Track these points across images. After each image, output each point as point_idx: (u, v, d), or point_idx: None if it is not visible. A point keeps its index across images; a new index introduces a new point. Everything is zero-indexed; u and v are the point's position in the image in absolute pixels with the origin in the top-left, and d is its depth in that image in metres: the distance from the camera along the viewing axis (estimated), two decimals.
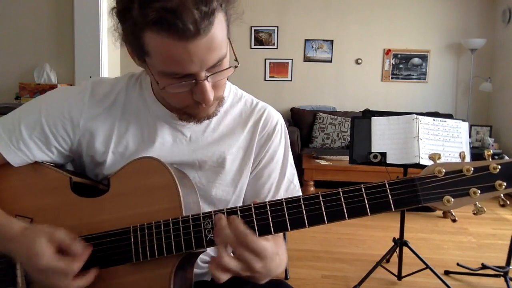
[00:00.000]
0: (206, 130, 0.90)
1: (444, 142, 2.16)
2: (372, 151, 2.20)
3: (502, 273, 2.36)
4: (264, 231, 0.72)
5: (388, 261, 2.61)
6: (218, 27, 0.69)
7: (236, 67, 0.77)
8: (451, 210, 0.64)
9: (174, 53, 0.68)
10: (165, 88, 0.75)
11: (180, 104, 0.80)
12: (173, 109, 0.87)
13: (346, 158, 3.45)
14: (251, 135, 0.92)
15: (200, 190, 0.87)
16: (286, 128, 0.97)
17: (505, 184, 0.62)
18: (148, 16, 0.65)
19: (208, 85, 0.74)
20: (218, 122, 0.91)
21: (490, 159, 0.62)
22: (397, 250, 2.37)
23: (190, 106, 0.79)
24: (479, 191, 0.63)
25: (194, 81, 0.73)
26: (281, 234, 0.89)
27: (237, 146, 0.91)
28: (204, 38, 0.67)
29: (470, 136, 4.50)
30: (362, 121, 2.29)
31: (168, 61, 0.70)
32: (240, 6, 0.76)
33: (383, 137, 2.22)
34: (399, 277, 2.39)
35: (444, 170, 0.64)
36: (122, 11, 0.70)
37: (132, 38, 0.71)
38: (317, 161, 3.89)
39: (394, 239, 2.41)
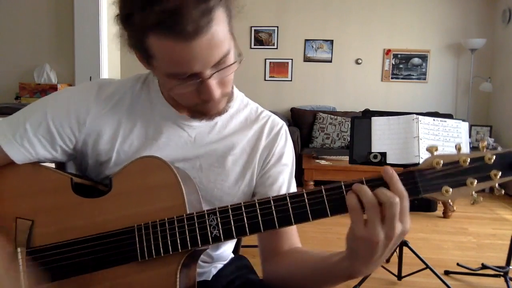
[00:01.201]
0: (211, 132, 0.91)
1: (444, 142, 2.16)
2: (372, 151, 2.19)
3: (502, 273, 2.36)
4: (269, 225, 0.72)
5: (388, 261, 2.61)
6: (219, 23, 0.69)
7: (240, 61, 0.77)
8: (450, 201, 0.65)
9: (177, 55, 0.69)
10: (172, 89, 0.76)
11: (190, 103, 0.81)
12: (183, 109, 0.88)
13: (346, 158, 3.45)
14: (256, 140, 0.93)
15: (201, 191, 0.87)
16: (290, 138, 0.99)
17: (500, 173, 0.63)
18: (149, 20, 0.66)
19: (213, 82, 0.74)
20: (224, 126, 0.92)
21: (485, 150, 0.63)
22: (397, 250, 2.37)
23: (200, 104, 0.80)
24: (475, 181, 0.64)
25: (199, 80, 0.73)
26: None
27: (241, 148, 0.92)
28: (204, 36, 0.67)
29: (470, 136, 4.50)
30: (362, 121, 2.28)
31: (172, 63, 0.71)
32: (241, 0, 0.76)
33: (383, 137, 2.21)
34: (399, 277, 2.39)
35: (442, 162, 0.65)
36: (125, 18, 0.71)
37: (137, 43, 0.72)
38: (317, 161, 3.89)
39: None
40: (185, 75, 0.72)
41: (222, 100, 0.82)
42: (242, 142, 0.92)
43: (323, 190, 0.70)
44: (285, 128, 0.98)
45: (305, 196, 0.70)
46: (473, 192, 0.64)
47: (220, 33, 0.70)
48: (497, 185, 0.63)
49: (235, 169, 0.91)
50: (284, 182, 0.93)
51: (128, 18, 0.69)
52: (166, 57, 0.71)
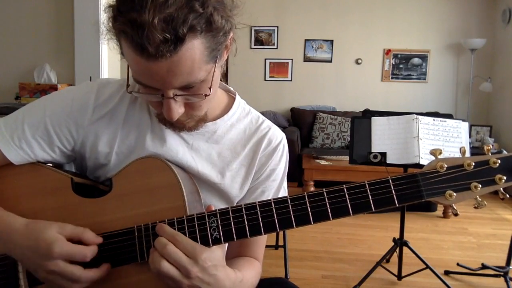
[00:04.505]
0: (209, 140, 0.89)
1: (444, 142, 2.16)
2: (372, 151, 2.20)
3: (502, 273, 2.36)
4: (270, 227, 0.73)
5: (388, 261, 2.61)
6: (189, 54, 0.67)
7: (207, 95, 0.74)
8: (453, 204, 0.65)
9: (138, 66, 0.69)
10: (131, 93, 0.76)
11: (155, 110, 0.81)
12: None
13: (346, 158, 3.45)
14: (253, 153, 0.92)
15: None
16: (287, 150, 0.97)
17: (505, 178, 0.63)
18: (117, 24, 0.66)
19: (174, 103, 0.72)
20: (222, 135, 0.90)
21: (490, 154, 0.63)
22: (397, 250, 2.37)
23: (164, 115, 0.79)
24: (480, 185, 0.63)
25: (161, 94, 0.72)
26: (256, 264, 0.92)
27: (238, 163, 0.90)
28: (164, 61, 0.66)
29: (470, 136, 4.50)
30: (362, 121, 2.29)
31: (135, 71, 0.71)
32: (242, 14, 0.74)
33: (383, 137, 2.22)
34: (399, 277, 2.39)
35: (445, 165, 0.65)
36: (110, 12, 0.70)
37: (116, 38, 0.72)
38: (317, 161, 3.89)
39: (394, 239, 2.41)
40: (148, 86, 0.72)
41: (189, 120, 0.80)
42: (239, 156, 0.91)
43: (325, 193, 0.70)
44: (283, 142, 0.96)
45: (307, 199, 0.70)
46: (477, 196, 0.64)
47: (187, 63, 0.67)
48: (501, 189, 0.63)
49: (234, 185, 0.90)
50: (268, 197, 0.91)
51: (111, 12, 0.69)
52: (131, 63, 0.70)
